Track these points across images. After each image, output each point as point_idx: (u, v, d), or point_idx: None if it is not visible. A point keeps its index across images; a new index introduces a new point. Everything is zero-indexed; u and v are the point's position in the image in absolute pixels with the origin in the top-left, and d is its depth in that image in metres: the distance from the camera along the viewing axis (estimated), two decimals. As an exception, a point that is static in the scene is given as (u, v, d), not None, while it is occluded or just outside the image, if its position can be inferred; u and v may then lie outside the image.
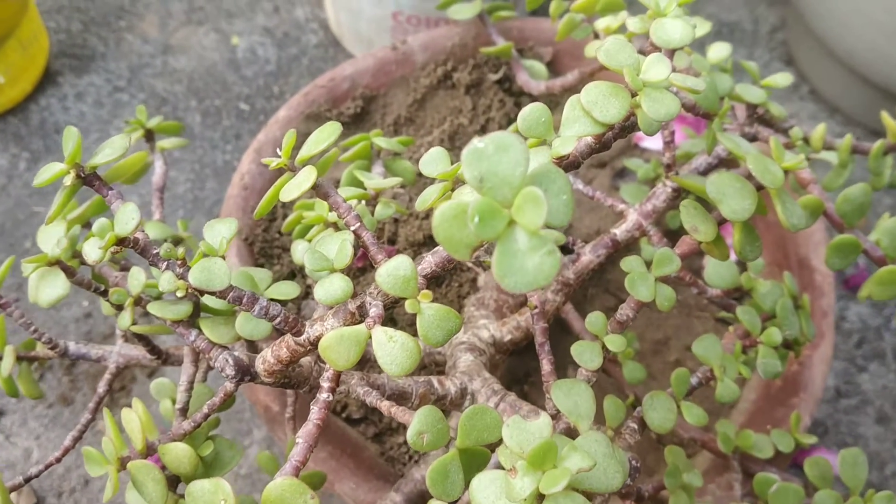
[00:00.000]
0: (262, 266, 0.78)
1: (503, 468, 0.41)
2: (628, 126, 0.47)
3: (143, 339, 0.61)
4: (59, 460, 0.61)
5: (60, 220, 0.55)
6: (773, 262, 0.82)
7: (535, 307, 0.54)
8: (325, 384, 0.44)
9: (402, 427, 0.74)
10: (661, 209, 0.62)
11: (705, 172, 0.63)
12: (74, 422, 1.02)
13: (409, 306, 0.41)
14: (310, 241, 0.58)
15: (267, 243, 0.78)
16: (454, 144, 0.87)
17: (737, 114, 0.64)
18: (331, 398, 0.44)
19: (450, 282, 0.78)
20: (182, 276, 0.43)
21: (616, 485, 0.40)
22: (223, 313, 0.55)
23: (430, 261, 0.44)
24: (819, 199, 0.57)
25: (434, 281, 0.79)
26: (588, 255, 0.63)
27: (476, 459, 0.46)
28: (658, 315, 0.82)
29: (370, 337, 0.43)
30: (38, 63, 1.21)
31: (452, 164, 0.46)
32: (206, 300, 0.54)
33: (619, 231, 0.62)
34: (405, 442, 0.74)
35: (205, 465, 0.52)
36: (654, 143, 0.97)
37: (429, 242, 0.80)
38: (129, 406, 0.54)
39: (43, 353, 0.65)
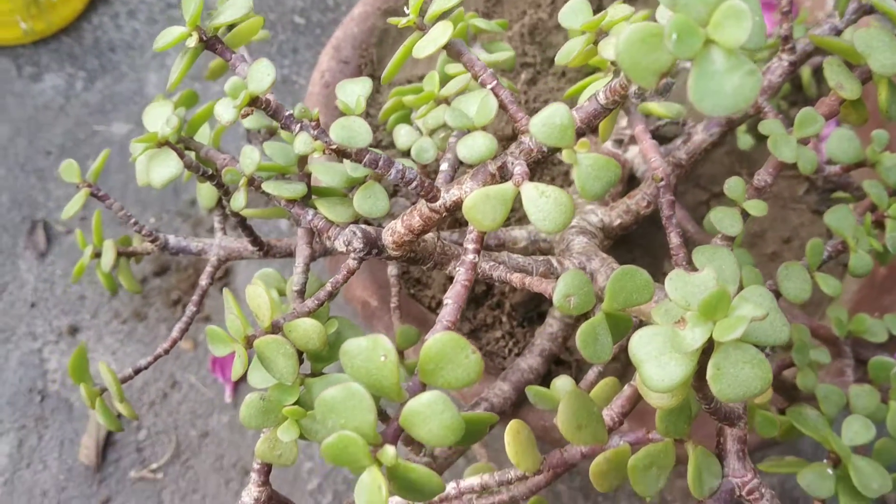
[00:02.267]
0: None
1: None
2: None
3: (246, 229, 0.60)
4: (167, 352, 0.61)
5: (165, 101, 0.54)
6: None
7: (661, 179, 0.52)
8: (470, 245, 0.42)
9: (498, 322, 0.73)
10: (777, 84, 0.59)
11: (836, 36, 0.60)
12: (150, 336, 1.02)
13: (565, 156, 0.39)
14: (420, 119, 0.56)
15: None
16: (534, 39, 0.84)
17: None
18: (476, 259, 0.42)
19: (541, 175, 0.76)
20: (318, 138, 0.42)
21: (783, 338, 0.39)
22: (336, 194, 0.54)
23: (585, 109, 0.41)
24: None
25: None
26: (700, 135, 0.61)
27: (619, 326, 0.45)
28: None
29: (516, 195, 0.41)
30: (89, -21, 1.18)
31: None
32: (320, 175, 0.53)
33: (733, 108, 0.59)
34: (502, 336, 0.73)
35: (328, 346, 0.51)
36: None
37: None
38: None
39: (142, 248, 0.64)
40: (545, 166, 0.76)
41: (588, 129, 0.42)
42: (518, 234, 0.64)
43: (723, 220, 0.49)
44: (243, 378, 1.00)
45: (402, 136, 0.59)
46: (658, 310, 0.40)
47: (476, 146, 0.41)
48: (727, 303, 0.37)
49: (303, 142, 0.42)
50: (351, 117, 0.42)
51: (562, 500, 0.95)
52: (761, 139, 0.78)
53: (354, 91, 0.43)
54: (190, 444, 0.97)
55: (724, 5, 0.30)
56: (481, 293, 0.74)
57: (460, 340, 0.38)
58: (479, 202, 0.41)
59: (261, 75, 0.41)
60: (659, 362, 0.38)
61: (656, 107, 0.56)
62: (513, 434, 0.46)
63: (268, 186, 0.52)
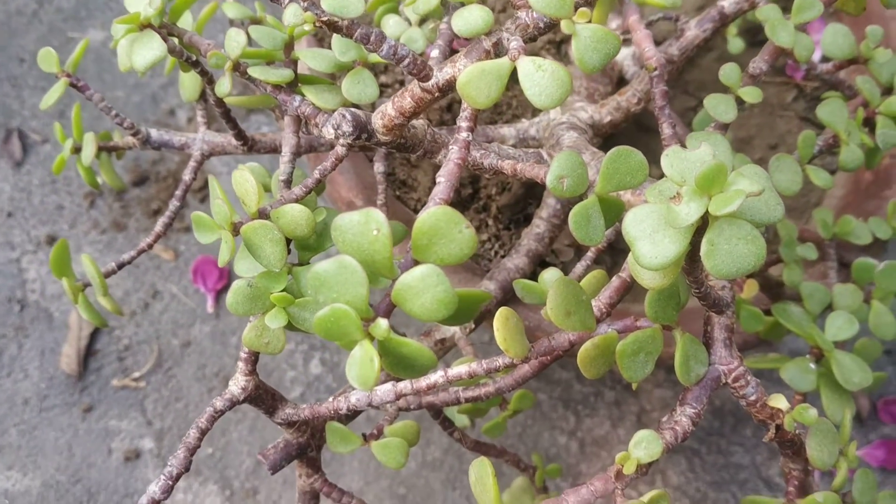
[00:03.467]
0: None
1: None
2: None
3: (230, 122, 0.59)
4: (150, 247, 0.60)
5: (146, -19, 0.51)
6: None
7: (655, 69, 0.51)
8: (464, 123, 0.42)
9: (484, 226, 0.73)
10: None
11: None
12: (129, 246, 1.01)
13: (564, 26, 0.38)
14: (409, 6, 0.54)
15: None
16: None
17: None
18: (469, 137, 0.42)
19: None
20: (308, 9, 0.40)
21: (778, 215, 0.39)
22: (323, 82, 0.53)
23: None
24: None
25: (512, 76, 0.76)
26: (693, 30, 0.60)
27: (612, 211, 0.44)
28: (740, 114, 0.79)
29: (512, 71, 0.40)
30: None
31: None
32: (307, 61, 0.51)
33: (727, 3, 0.58)
34: (488, 239, 0.72)
35: (316, 235, 0.50)
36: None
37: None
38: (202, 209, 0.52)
39: (123, 143, 0.62)
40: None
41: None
42: (507, 131, 0.63)
43: (717, 106, 0.48)
44: (225, 288, 1.00)
45: (391, 26, 0.57)
46: (652, 189, 0.40)
47: (472, 18, 0.40)
48: (724, 177, 0.36)
49: (292, 13, 0.40)
50: (342, -12, 0.40)
51: (542, 409, 0.96)
52: (752, 44, 0.77)
53: (344, -38, 0.42)
54: (172, 354, 0.97)
55: None
56: (468, 196, 0.73)
57: (454, 214, 0.37)
58: (475, 78, 0.40)
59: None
60: (652, 240, 0.38)
61: (652, -4, 0.54)
62: (502, 320, 0.46)
63: (254, 71, 0.50)
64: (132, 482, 0.91)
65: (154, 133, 0.61)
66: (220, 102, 0.56)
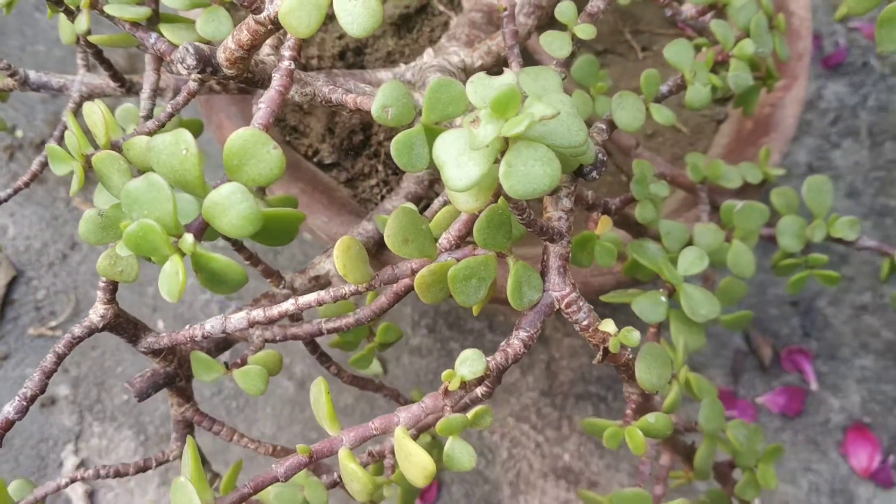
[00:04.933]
0: None
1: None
2: None
3: (104, 62, 0.60)
4: (27, 185, 0.61)
5: (5, -81, 0.52)
6: (752, 9, 0.80)
7: (505, 9, 0.53)
8: (287, 52, 0.43)
9: (374, 171, 0.75)
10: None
11: None
12: (49, 199, 1.02)
13: (368, -45, 0.39)
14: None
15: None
16: None
17: None
18: (292, 66, 0.43)
19: (421, 26, 0.76)
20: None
21: (579, 140, 0.40)
22: (179, 20, 0.54)
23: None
24: None
25: (404, 26, 0.77)
26: (560, -25, 0.61)
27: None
28: (633, 65, 0.81)
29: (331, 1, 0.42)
30: None
31: None
32: (165, 3, 0.53)
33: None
34: (377, 184, 0.74)
35: (171, 166, 0.52)
36: None
37: None
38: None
39: (3, 84, 0.63)
40: (426, 18, 0.76)
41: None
42: (383, 75, 0.65)
43: (552, 42, 0.50)
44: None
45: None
46: (465, 116, 0.42)
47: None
48: (517, 100, 0.38)
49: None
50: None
51: (454, 357, 0.98)
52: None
53: None
54: (90, 304, 0.98)
55: None
56: (359, 143, 0.75)
57: (262, 136, 0.39)
58: (295, 7, 0.41)
59: None
60: (458, 162, 0.40)
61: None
62: (343, 248, 0.48)
63: (110, 9, 0.51)
64: (47, 427, 0.93)
65: (33, 74, 0.62)
66: (89, 44, 0.58)
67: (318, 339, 0.63)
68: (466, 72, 0.63)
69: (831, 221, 0.66)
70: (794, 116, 0.73)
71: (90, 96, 0.63)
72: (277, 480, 0.44)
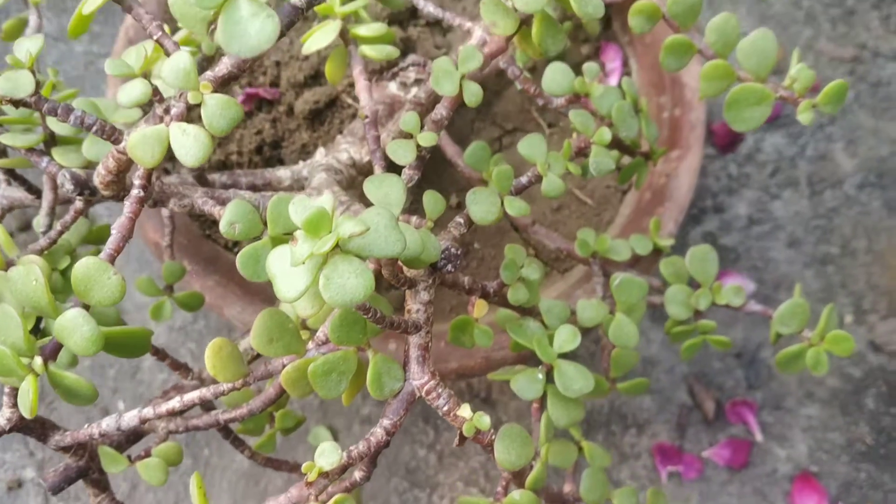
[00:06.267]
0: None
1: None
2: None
3: (18, 179, 0.65)
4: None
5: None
6: (650, 83, 0.84)
7: (367, 117, 0.57)
8: (137, 181, 0.48)
9: (293, 258, 0.79)
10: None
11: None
12: None
13: (191, 97, 0.44)
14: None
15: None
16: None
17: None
18: (142, 194, 0.48)
19: (332, 118, 0.81)
20: (-6, 91, 0.46)
21: (395, 250, 0.44)
22: (74, 142, 0.59)
23: (225, 62, 0.47)
24: (654, 4, 0.59)
25: (317, 119, 0.82)
26: (437, 74, 0.66)
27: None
28: (522, 133, 0.85)
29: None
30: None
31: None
32: (56, 128, 0.58)
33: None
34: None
35: (63, 279, 0.56)
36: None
37: (310, 83, 0.82)
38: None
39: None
40: (335, 111, 0.81)
41: (239, 72, 0.47)
42: (283, 173, 0.69)
43: (396, 151, 0.54)
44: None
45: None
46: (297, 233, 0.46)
47: (133, 93, 0.46)
48: (328, 222, 0.42)
49: (-22, 95, 0.46)
50: (20, 70, 0.46)
51: (403, 424, 1.02)
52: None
53: (26, 47, 0.48)
54: None
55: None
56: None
57: (102, 264, 0.43)
58: (140, 142, 0.46)
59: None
60: (287, 276, 0.44)
61: (370, 50, 0.60)
62: (214, 350, 0.52)
63: (4, 138, 0.56)
64: (13, 510, 0.97)
65: (-44, 190, 0.67)
66: (-1, 163, 0.63)
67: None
68: (356, 167, 0.68)
69: (716, 289, 0.69)
70: (688, 185, 0.77)
71: (10, 208, 0.68)
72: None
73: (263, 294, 0.74)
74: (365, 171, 0.68)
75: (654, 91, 0.83)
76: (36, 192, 0.66)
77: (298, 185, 0.69)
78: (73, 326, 0.43)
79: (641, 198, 0.79)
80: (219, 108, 0.44)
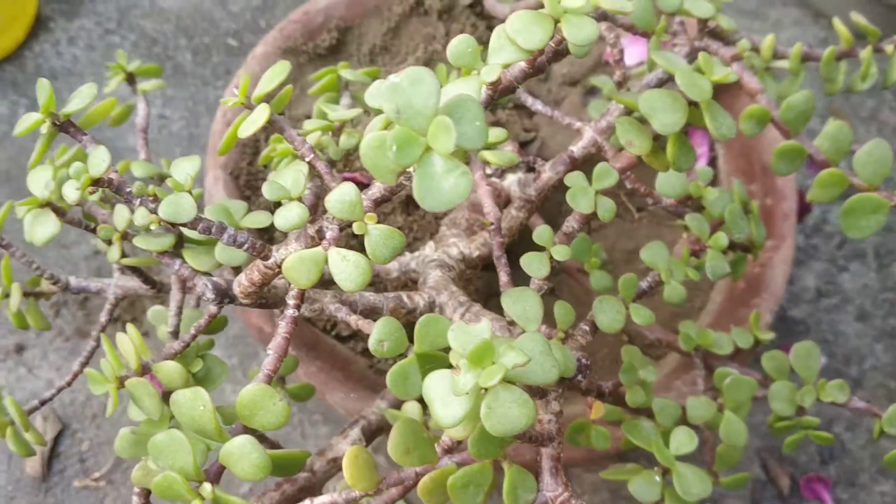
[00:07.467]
0: (248, 198, 0.83)
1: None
2: (561, 50, 0.50)
3: (136, 271, 0.66)
4: (69, 384, 0.67)
5: (47, 164, 0.59)
6: (738, 171, 0.85)
7: (492, 224, 0.58)
8: (291, 301, 0.49)
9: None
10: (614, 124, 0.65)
11: (658, 87, 0.66)
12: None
13: (356, 228, 0.45)
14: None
15: (252, 176, 0.83)
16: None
17: (687, 29, 0.66)
18: (296, 314, 0.49)
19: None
20: (154, 211, 0.48)
21: (552, 378, 0.45)
22: (204, 244, 0.60)
23: (378, 186, 0.48)
24: (764, 109, 0.60)
25: (412, 203, 0.83)
26: (548, 173, 0.67)
27: (434, 363, 0.51)
28: (630, 226, 0.86)
29: (328, 258, 0.47)
30: (28, 10, 1.24)
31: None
32: (187, 232, 0.59)
33: (577, 148, 0.65)
34: (391, 355, 0.79)
35: (197, 381, 0.57)
36: (628, 58, 0.99)
37: (406, 167, 0.84)
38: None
39: (47, 289, 0.70)
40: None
41: (391, 195, 0.48)
42: (391, 265, 0.70)
43: (531, 264, 0.55)
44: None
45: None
46: (452, 354, 0.46)
47: (290, 216, 0.47)
48: (492, 352, 0.43)
49: (141, 216, 0.48)
50: (181, 193, 0.48)
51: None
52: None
53: (185, 169, 0.49)
54: (130, 454, 1.04)
55: (437, 119, 0.36)
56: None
57: (268, 390, 0.44)
58: (296, 264, 0.47)
59: (97, 161, 0.47)
60: (444, 402, 0.45)
61: (489, 155, 0.61)
62: (351, 459, 0.52)
63: (138, 241, 0.58)
64: (90, 580, 0.97)
65: (73, 281, 0.68)
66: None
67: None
68: (466, 262, 0.69)
69: (821, 386, 0.69)
70: (783, 275, 0.77)
71: (124, 297, 0.69)
72: None
73: (365, 381, 0.75)
74: (473, 264, 0.69)
75: (743, 178, 0.84)
76: (151, 283, 0.68)
77: (406, 277, 0.70)
78: (241, 454, 0.43)
79: (735, 286, 0.79)
80: (382, 239, 0.45)
